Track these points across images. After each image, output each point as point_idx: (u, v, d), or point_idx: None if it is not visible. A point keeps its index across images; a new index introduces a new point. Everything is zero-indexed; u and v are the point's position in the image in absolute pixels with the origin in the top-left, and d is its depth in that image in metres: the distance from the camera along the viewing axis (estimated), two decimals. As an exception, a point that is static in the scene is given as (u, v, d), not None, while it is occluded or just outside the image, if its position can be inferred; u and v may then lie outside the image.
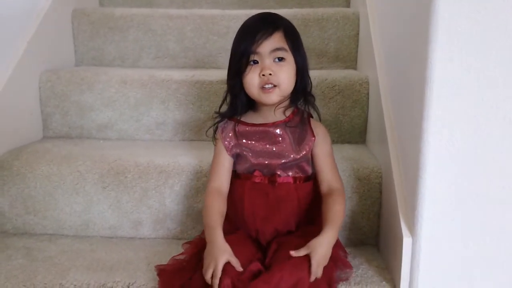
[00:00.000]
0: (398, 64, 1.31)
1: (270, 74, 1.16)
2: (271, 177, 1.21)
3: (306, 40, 1.87)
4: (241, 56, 1.18)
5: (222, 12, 1.97)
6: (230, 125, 1.26)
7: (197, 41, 1.96)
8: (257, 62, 1.18)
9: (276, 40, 1.17)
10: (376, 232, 1.39)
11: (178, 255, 1.21)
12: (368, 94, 1.63)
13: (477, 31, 1.00)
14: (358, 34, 1.90)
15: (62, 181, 1.43)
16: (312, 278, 1.05)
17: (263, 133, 1.23)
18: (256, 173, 1.21)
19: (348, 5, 2.21)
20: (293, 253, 1.07)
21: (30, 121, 1.70)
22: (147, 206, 1.43)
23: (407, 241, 1.12)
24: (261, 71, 1.16)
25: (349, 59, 1.93)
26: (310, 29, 1.91)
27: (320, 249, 1.08)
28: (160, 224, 1.44)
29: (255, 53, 1.16)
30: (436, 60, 1.01)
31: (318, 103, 1.56)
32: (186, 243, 1.26)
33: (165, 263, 1.21)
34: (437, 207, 1.08)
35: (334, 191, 1.21)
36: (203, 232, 1.21)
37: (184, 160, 1.44)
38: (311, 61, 1.85)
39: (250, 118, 1.26)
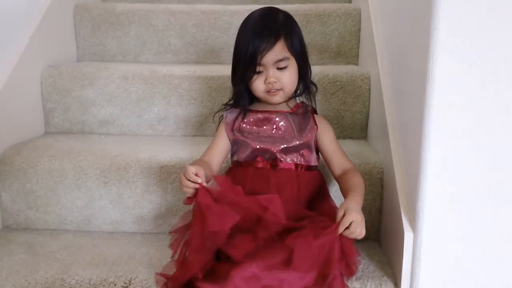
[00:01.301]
0: (400, 59, 1.31)
1: (275, 82, 1.22)
2: (273, 161, 1.23)
3: (308, 36, 1.88)
4: (246, 66, 1.22)
5: (224, 7, 1.97)
6: (235, 111, 1.30)
7: (199, 36, 1.96)
8: (262, 71, 1.23)
9: (278, 50, 1.21)
10: (377, 227, 1.39)
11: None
12: (369, 89, 1.63)
13: (478, 25, 0.99)
14: (359, 29, 1.90)
15: (64, 176, 1.44)
16: (340, 229, 1.06)
17: (266, 119, 1.27)
18: (259, 158, 1.23)
19: (349, 1, 2.20)
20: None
21: (31, 116, 1.70)
22: (148, 201, 1.43)
23: (408, 236, 1.12)
24: (266, 79, 1.22)
25: (351, 55, 1.93)
26: (311, 25, 1.91)
27: (352, 206, 1.09)
28: (162, 219, 1.44)
29: (260, 64, 1.21)
30: (437, 55, 1.01)
31: (319, 98, 1.57)
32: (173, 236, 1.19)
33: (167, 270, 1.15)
34: (438, 202, 1.08)
35: (348, 170, 1.26)
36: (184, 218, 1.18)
37: (185, 155, 1.44)
38: (313, 56, 1.86)
39: (255, 106, 1.31)
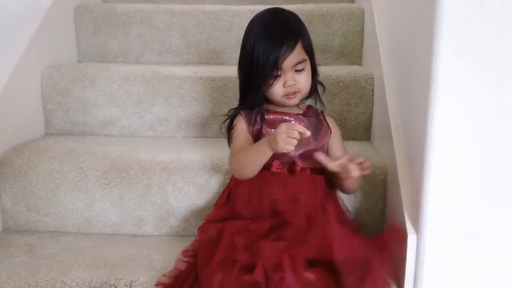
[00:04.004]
0: (403, 60, 1.30)
1: (294, 84, 1.21)
2: (290, 166, 1.21)
3: (311, 36, 1.86)
4: (267, 72, 1.19)
5: (225, 7, 1.96)
6: (249, 113, 1.26)
7: (200, 36, 1.95)
8: (280, 75, 1.21)
9: (297, 54, 1.20)
10: (380, 229, 1.38)
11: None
12: (373, 90, 1.62)
13: (483, 25, 0.98)
14: (363, 29, 1.89)
15: (64, 178, 1.43)
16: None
17: (283, 122, 1.23)
18: (275, 163, 1.21)
19: (352, 1, 2.20)
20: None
21: (32, 117, 1.69)
22: (149, 203, 1.42)
23: (411, 238, 1.11)
24: (285, 83, 1.21)
25: (354, 55, 1.92)
26: (314, 25, 1.90)
27: None
28: (163, 221, 1.43)
29: (280, 69, 1.20)
30: (441, 55, 1.00)
31: (322, 99, 1.55)
32: (185, 251, 1.21)
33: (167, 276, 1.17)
34: (442, 203, 1.07)
35: None
36: (201, 233, 1.20)
37: (187, 156, 1.43)
38: (316, 57, 1.85)
39: (267, 106, 1.28)
